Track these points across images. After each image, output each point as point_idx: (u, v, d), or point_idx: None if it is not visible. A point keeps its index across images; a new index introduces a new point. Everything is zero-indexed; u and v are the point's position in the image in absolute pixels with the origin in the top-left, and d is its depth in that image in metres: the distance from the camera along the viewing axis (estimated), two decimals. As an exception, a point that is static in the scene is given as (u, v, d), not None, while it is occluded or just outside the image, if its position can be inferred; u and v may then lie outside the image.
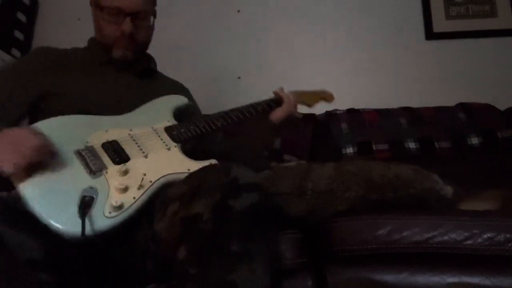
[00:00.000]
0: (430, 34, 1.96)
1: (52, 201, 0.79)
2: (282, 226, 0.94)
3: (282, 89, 1.24)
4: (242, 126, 1.17)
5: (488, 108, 1.72)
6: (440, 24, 1.97)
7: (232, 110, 1.13)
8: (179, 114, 1.13)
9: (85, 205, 0.78)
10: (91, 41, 1.20)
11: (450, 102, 1.77)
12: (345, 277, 0.97)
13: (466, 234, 0.94)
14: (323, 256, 1.01)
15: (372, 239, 0.95)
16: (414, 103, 1.77)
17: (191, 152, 1.03)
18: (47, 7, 2.05)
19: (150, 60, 1.27)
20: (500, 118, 1.68)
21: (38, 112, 1.06)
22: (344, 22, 2.01)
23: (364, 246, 0.95)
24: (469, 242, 0.93)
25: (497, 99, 1.76)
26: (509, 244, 0.92)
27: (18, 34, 1.90)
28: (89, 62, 1.15)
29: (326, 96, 1.37)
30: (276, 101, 1.20)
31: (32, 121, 1.04)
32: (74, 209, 0.78)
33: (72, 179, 0.84)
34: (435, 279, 0.94)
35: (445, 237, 0.94)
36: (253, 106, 1.17)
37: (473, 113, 1.70)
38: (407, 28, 1.98)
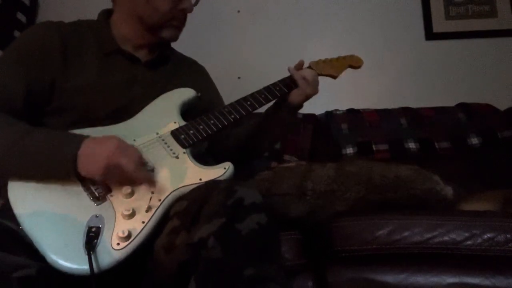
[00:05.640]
0: (430, 34, 1.96)
1: (55, 235, 0.74)
2: (282, 227, 0.93)
3: (300, 65, 1.13)
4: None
5: (488, 108, 1.72)
6: (440, 24, 1.97)
7: (244, 99, 1.03)
8: (190, 108, 1.02)
9: (92, 239, 0.73)
10: (122, 20, 1.03)
11: (450, 102, 1.77)
12: (346, 277, 0.97)
13: (466, 234, 0.94)
14: (323, 257, 1.01)
15: (373, 239, 0.95)
16: (414, 103, 1.77)
17: (204, 154, 0.97)
18: (47, 7, 2.05)
19: (167, 46, 1.11)
20: (500, 118, 1.69)
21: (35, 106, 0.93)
22: (344, 23, 2.00)
23: (365, 246, 0.95)
24: (469, 242, 0.93)
25: (497, 99, 1.76)
26: (509, 245, 0.92)
27: (18, 34, 1.90)
28: (107, 47, 1.00)
29: (353, 62, 1.22)
30: (293, 83, 1.08)
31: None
32: (79, 243, 0.73)
33: (75, 208, 0.78)
34: (435, 279, 0.94)
35: (445, 238, 0.94)
36: (268, 90, 1.06)
37: (473, 113, 1.70)
38: (407, 28, 1.98)
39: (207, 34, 1.99)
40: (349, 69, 1.23)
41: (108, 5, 1.08)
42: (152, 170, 0.85)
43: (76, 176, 0.80)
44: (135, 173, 0.80)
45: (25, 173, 0.81)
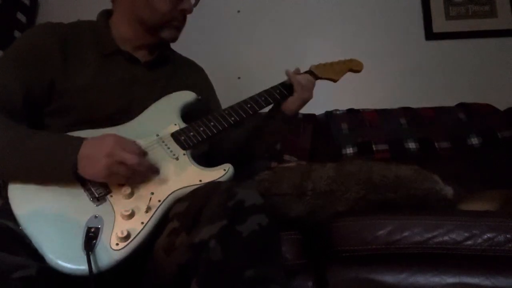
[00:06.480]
0: (430, 34, 1.96)
1: (54, 236, 0.74)
2: (282, 227, 0.93)
3: (298, 70, 1.13)
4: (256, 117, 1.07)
5: (488, 108, 1.72)
6: (440, 24, 1.96)
7: (245, 101, 1.03)
8: (189, 111, 1.02)
9: (91, 239, 0.73)
10: (119, 21, 1.03)
11: (450, 102, 1.77)
12: (346, 277, 0.97)
13: (466, 234, 0.94)
14: (323, 257, 1.01)
15: (373, 239, 0.95)
16: (414, 103, 1.77)
17: (203, 155, 0.97)
18: (47, 7, 2.05)
19: (166, 46, 1.12)
20: (500, 118, 1.68)
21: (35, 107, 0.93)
22: (344, 23, 2.00)
23: (365, 246, 0.95)
24: (469, 242, 0.93)
25: (497, 99, 1.76)
26: (509, 245, 0.92)
27: (18, 34, 1.90)
28: (106, 48, 1.00)
29: (353, 66, 1.22)
30: (289, 87, 1.08)
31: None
32: (78, 244, 0.73)
33: (74, 209, 0.78)
34: (435, 279, 0.94)
35: (445, 237, 0.94)
36: (269, 93, 1.06)
37: (473, 113, 1.70)
38: (407, 28, 1.98)
39: (207, 34, 1.99)
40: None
41: (108, 5, 1.08)
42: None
43: (76, 178, 0.80)
44: (139, 166, 0.80)
45: (24, 176, 0.81)
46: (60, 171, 0.79)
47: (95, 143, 0.80)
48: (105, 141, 0.80)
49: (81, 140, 0.81)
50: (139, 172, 0.81)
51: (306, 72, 1.15)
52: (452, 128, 1.66)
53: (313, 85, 1.12)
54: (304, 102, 1.09)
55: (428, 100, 1.79)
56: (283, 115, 1.09)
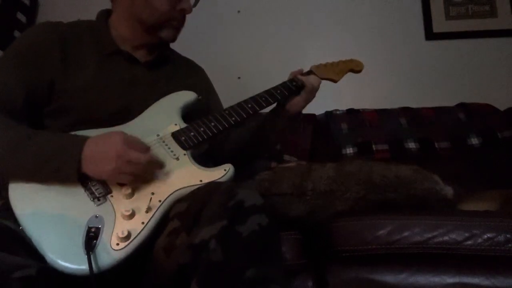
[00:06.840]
0: (430, 34, 1.97)
1: (55, 236, 0.74)
2: (282, 227, 0.93)
3: (301, 70, 1.13)
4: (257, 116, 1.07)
5: (488, 108, 1.72)
6: (440, 24, 1.97)
7: (245, 101, 1.03)
8: (190, 111, 1.02)
9: (92, 239, 0.73)
10: (118, 20, 1.04)
11: (450, 102, 1.77)
12: (346, 277, 0.97)
13: (466, 234, 0.94)
14: (323, 257, 1.01)
15: (373, 239, 0.95)
16: (414, 103, 1.77)
17: (204, 155, 0.97)
18: (47, 7, 2.05)
19: (166, 46, 1.12)
20: (500, 118, 1.68)
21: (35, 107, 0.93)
22: (344, 23, 2.01)
23: (365, 246, 0.95)
24: (469, 242, 0.93)
25: (497, 99, 1.76)
26: (509, 244, 0.92)
27: (18, 34, 1.90)
28: (106, 47, 1.00)
29: (353, 66, 1.22)
30: (294, 87, 1.08)
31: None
32: (79, 244, 0.73)
33: (75, 208, 0.78)
34: (435, 279, 0.94)
35: (445, 237, 0.94)
36: (270, 93, 1.06)
37: (473, 113, 1.70)
38: (407, 28, 1.98)
39: (207, 34, 1.99)
40: (349, 70, 1.23)
41: (108, 5, 1.08)
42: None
43: (78, 177, 0.80)
44: (147, 163, 0.80)
45: (25, 176, 0.80)
46: (62, 172, 0.79)
47: (102, 141, 0.80)
48: (113, 140, 0.80)
49: (84, 139, 0.81)
50: (145, 169, 0.81)
51: (306, 73, 1.15)
52: (452, 128, 1.66)
53: (318, 88, 1.12)
54: (308, 102, 1.10)
55: (428, 100, 1.80)
56: (288, 114, 1.10)
